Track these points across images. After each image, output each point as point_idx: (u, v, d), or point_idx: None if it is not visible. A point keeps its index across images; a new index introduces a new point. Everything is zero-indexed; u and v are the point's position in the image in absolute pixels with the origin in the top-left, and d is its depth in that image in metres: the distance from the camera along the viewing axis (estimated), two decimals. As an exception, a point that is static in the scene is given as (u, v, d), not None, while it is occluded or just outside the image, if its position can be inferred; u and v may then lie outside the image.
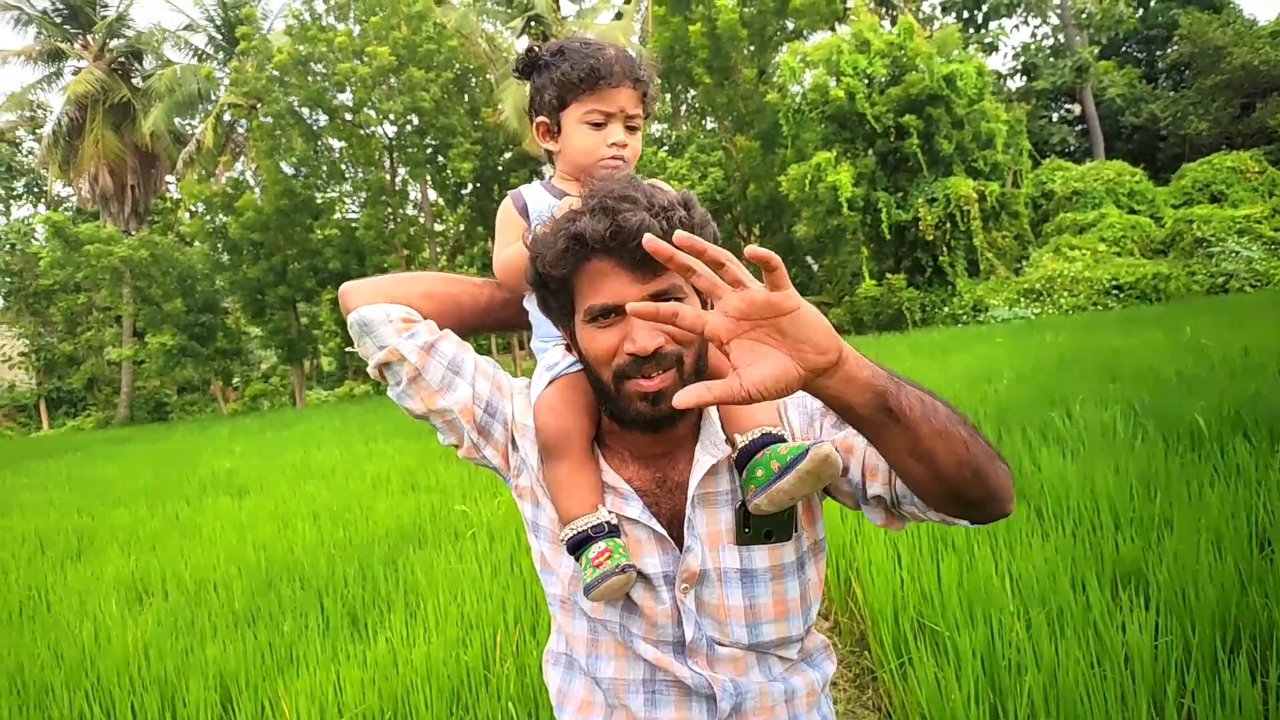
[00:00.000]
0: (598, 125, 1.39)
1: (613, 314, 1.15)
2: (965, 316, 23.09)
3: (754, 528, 1.25)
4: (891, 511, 1.25)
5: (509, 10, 30.35)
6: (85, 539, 7.48)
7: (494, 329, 1.49)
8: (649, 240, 0.94)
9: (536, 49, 1.41)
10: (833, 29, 27.90)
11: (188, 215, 31.55)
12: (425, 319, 1.36)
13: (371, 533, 6.29)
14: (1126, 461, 4.95)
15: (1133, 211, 25.86)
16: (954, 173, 24.18)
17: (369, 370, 1.34)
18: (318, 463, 10.74)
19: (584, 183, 1.27)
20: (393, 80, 27.17)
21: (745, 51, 27.51)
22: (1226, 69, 30.88)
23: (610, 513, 1.26)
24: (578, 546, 1.22)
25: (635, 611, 1.26)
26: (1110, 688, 2.59)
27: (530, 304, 1.39)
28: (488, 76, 30.41)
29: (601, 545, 1.20)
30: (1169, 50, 37.64)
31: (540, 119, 1.41)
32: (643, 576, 1.26)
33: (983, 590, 3.33)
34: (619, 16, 32.17)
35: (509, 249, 1.39)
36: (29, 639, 4.66)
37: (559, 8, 30.28)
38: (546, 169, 1.50)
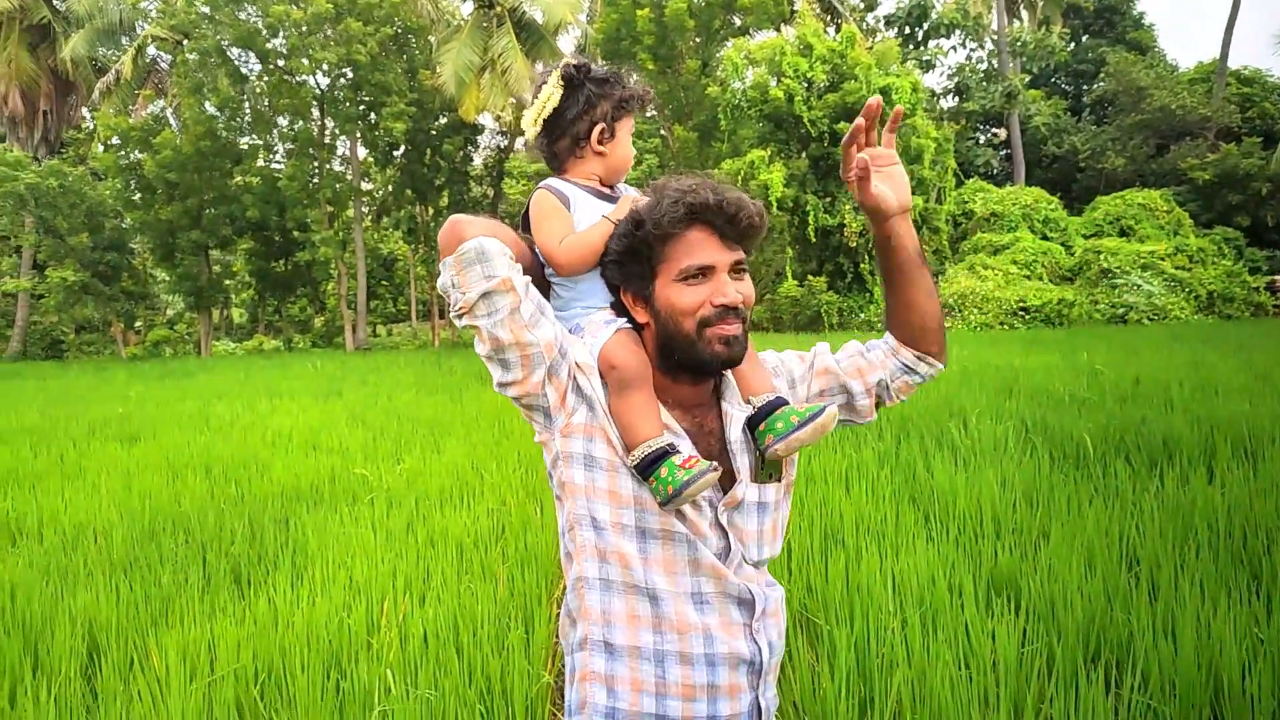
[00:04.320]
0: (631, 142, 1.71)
1: (702, 274, 1.43)
2: (880, 324, 23.59)
3: (765, 469, 1.53)
4: (880, 396, 1.67)
5: (456, -27, 29.80)
6: (-42, 475, 7.12)
7: None
8: (875, 101, 1.51)
9: (580, 66, 1.64)
10: (778, 29, 28.14)
11: (102, 148, 30.06)
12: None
13: (266, 490, 6.13)
14: (1013, 474, 5.14)
15: (1045, 238, 26.84)
16: (882, 183, 24.64)
17: (461, 297, 1.41)
18: (216, 415, 10.42)
19: (652, 185, 1.54)
20: (329, 30, 26.39)
21: (691, 42, 27.55)
22: (1146, 109, 32.18)
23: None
24: (653, 463, 1.39)
25: (687, 524, 1.46)
26: (975, 690, 2.70)
27: (565, 280, 1.60)
28: (429, 38, 29.79)
29: (687, 454, 1.41)
30: (1095, 86, 39.06)
31: (601, 125, 1.63)
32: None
33: (865, 588, 3.42)
34: (568, -7, 31.83)
35: (593, 229, 1.53)
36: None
37: (508, -24, 29.75)
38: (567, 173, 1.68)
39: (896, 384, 1.66)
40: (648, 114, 32.81)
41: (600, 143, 1.64)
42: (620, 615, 1.46)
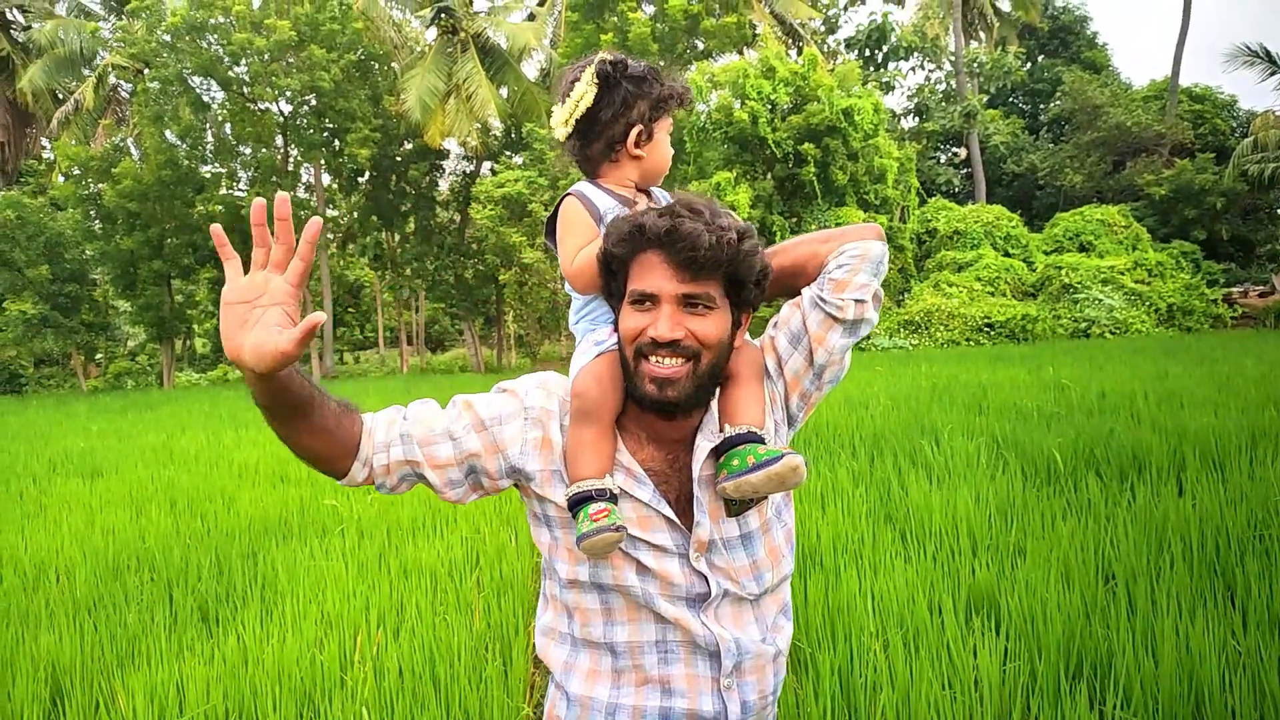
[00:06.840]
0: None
1: (648, 300, 1.31)
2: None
3: (733, 504, 1.39)
4: (837, 319, 1.41)
5: (419, -1, 29.77)
6: (-88, 515, 6.92)
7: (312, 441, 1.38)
8: None
9: (616, 62, 1.53)
10: (741, 53, 28.41)
11: (62, 179, 29.61)
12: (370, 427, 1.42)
13: (233, 524, 6.01)
14: (987, 491, 5.16)
15: (1007, 254, 27.22)
16: (846, 203, 24.92)
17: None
18: (180, 447, 10.24)
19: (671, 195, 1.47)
20: (291, 57, 26.28)
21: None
22: (1102, 127, 32.79)
23: (617, 486, 1.38)
24: (578, 504, 1.33)
25: (650, 575, 1.39)
26: (960, 709, 2.68)
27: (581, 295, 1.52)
28: (392, 65, 29.74)
29: (602, 505, 1.31)
30: (1051, 104, 39.77)
31: (639, 127, 1.53)
32: (656, 546, 1.39)
33: (845, 609, 3.41)
34: (531, 18, 31.97)
35: (593, 246, 1.43)
36: None
37: (471, 1, 29.84)
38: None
39: (826, 291, 1.42)
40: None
41: (637, 145, 1.54)
42: (581, 669, 1.45)
